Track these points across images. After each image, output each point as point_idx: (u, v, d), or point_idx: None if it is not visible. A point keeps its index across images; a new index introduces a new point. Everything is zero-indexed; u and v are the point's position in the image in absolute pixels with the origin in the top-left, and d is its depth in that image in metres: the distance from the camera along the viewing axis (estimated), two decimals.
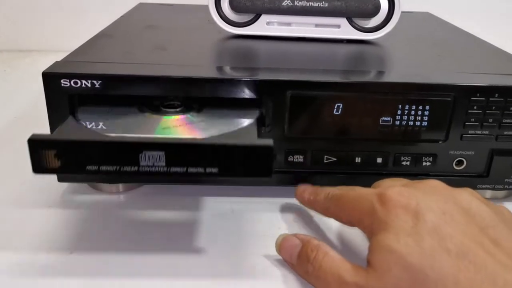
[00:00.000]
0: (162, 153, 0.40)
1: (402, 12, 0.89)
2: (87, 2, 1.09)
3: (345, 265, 0.40)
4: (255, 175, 0.41)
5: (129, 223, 0.52)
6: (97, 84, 0.48)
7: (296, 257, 0.44)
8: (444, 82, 0.51)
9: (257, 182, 0.55)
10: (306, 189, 0.52)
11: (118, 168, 0.41)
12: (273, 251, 0.48)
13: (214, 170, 0.41)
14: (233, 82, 0.50)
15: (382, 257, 0.37)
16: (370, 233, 0.40)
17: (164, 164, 0.40)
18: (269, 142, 0.40)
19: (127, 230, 0.51)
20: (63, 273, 0.45)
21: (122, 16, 0.77)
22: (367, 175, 0.55)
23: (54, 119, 0.49)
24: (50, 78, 0.48)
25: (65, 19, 1.10)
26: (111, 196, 0.56)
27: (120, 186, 0.57)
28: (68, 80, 0.48)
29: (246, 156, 0.41)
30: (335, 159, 0.54)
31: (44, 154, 0.39)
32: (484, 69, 0.57)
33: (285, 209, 0.55)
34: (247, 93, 0.50)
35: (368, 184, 0.52)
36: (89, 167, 0.40)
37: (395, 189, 0.40)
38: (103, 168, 0.40)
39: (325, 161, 0.54)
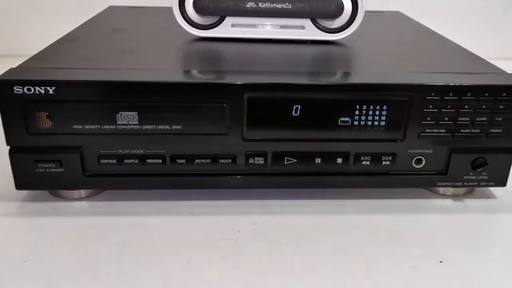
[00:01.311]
0: (135, 113, 0.49)
1: (373, 11, 0.90)
2: (58, 6, 1.09)
3: None
4: (212, 132, 0.52)
5: (87, 229, 0.52)
6: (50, 90, 0.48)
7: None
8: (400, 82, 0.52)
9: (219, 185, 0.55)
10: None
11: (99, 126, 0.50)
12: (229, 255, 0.48)
13: (178, 127, 0.51)
14: (191, 86, 0.50)
15: None
16: None
17: (137, 122, 0.50)
18: (222, 105, 0.50)
19: (84, 236, 0.51)
20: (12, 281, 0.44)
21: (89, 20, 0.76)
22: (328, 176, 0.56)
23: (8, 126, 0.49)
24: (3, 85, 0.48)
25: (34, 23, 1.09)
26: (73, 203, 0.56)
27: (83, 191, 0.57)
28: (21, 87, 0.48)
29: (205, 115, 0.51)
30: (295, 160, 0.54)
31: (38, 116, 0.49)
32: (442, 69, 0.57)
33: (245, 212, 0.55)
34: (206, 97, 0.50)
35: (329, 185, 0.55)
36: (75, 126, 0.50)
37: None
38: (87, 126, 0.50)
39: (286, 163, 0.55)
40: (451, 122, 0.53)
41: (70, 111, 0.50)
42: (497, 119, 0.53)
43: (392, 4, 1.01)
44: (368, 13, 0.85)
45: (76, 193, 0.57)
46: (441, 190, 0.59)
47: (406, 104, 0.52)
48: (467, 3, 1.15)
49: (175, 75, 0.52)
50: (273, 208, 0.55)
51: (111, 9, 0.89)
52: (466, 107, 0.52)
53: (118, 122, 0.51)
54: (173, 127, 0.51)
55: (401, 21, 0.87)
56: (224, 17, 0.65)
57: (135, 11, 0.87)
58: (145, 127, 0.51)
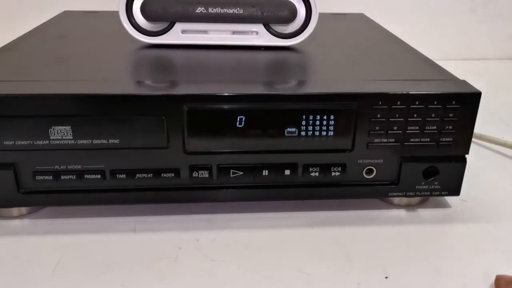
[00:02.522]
0: (69, 128, 0.48)
1: (336, 14, 0.88)
2: (14, 11, 1.06)
3: None
4: (151, 145, 0.50)
5: (19, 249, 0.50)
6: None
7: None
8: (346, 91, 0.50)
9: (163, 199, 0.54)
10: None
11: (31, 142, 0.48)
12: (166, 276, 0.46)
13: (116, 141, 0.49)
14: (126, 98, 0.48)
15: None
16: None
17: (71, 137, 0.48)
18: (161, 117, 0.49)
19: (15, 257, 0.49)
20: None
21: (37, 27, 0.74)
22: (276, 188, 0.54)
23: None
24: None
25: None
26: (9, 221, 0.54)
27: (23, 209, 0.54)
28: None
29: (143, 128, 0.49)
30: (241, 173, 0.53)
31: None
32: (393, 76, 0.56)
33: (189, 227, 0.53)
34: (143, 109, 0.48)
35: (278, 197, 0.54)
36: (6, 142, 0.48)
37: None
38: (19, 142, 0.48)
39: (231, 176, 0.53)
40: (400, 132, 0.51)
41: None
42: (447, 127, 0.51)
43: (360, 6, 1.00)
44: (330, 15, 0.84)
45: (15, 210, 0.54)
46: (396, 200, 0.58)
47: (353, 113, 0.50)
48: (435, 5, 1.14)
49: (110, 87, 0.50)
50: (218, 223, 0.54)
51: (66, 14, 0.86)
52: (415, 115, 0.50)
53: (51, 137, 0.49)
54: (110, 141, 0.49)
55: (362, 24, 0.85)
56: (174, 23, 0.63)
57: (90, 16, 0.84)
58: (80, 141, 0.49)
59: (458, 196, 0.56)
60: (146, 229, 0.53)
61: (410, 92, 0.50)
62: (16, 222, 0.54)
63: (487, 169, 0.66)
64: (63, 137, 0.49)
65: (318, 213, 0.56)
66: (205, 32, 0.64)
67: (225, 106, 0.49)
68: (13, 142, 0.48)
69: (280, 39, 0.65)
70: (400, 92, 0.50)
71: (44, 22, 0.78)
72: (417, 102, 0.50)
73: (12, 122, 0.48)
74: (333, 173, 0.53)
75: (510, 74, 1.07)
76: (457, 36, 1.16)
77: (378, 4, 1.06)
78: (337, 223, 0.54)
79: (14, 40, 0.66)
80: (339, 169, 0.53)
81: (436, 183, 0.54)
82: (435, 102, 0.50)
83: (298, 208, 0.56)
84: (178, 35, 0.64)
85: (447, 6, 1.14)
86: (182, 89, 0.50)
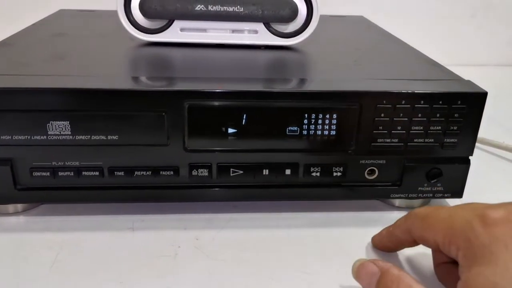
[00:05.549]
0: (67, 123, 0.46)
1: (335, 16, 0.88)
2: (7, 9, 1.05)
3: None
4: (151, 142, 0.49)
5: (16, 246, 0.49)
6: None
7: (374, 287, 0.39)
8: (349, 90, 0.49)
9: (161, 198, 0.53)
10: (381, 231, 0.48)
11: (29, 137, 0.47)
12: (165, 273, 0.45)
13: (115, 137, 0.48)
14: (126, 93, 0.47)
15: None
16: (465, 260, 0.34)
17: (69, 132, 0.47)
18: (161, 113, 0.47)
19: (11, 254, 0.48)
20: None
21: (33, 24, 0.72)
22: (277, 188, 0.53)
23: None
24: None
25: None
26: (6, 218, 0.53)
27: (19, 206, 0.53)
28: None
29: (143, 124, 0.48)
30: (241, 171, 0.51)
31: None
32: (396, 75, 0.55)
33: (188, 226, 0.52)
34: (143, 105, 0.47)
35: (278, 197, 0.52)
36: (3, 137, 0.47)
37: (500, 210, 0.33)
38: (16, 137, 0.47)
39: (231, 174, 0.52)
40: (404, 132, 0.50)
41: None
42: (452, 128, 0.50)
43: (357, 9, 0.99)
44: (329, 17, 0.83)
45: (11, 207, 0.53)
46: (397, 202, 0.57)
47: (356, 112, 0.49)
48: (435, 9, 1.13)
49: (110, 82, 0.48)
50: (218, 222, 0.53)
51: (61, 12, 0.85)
52: (420, 115, 0.50)
53: (49, 133, 0.47)
54: (109, 137, 0.48)
55: (362, 26, 0.85)
56: (173, 21, 0.62)
57: (86, 15, 0.83)
58: (78, 137, 0.48)
59: (460, 199, 0.54)
60: (144, 227, 0.52)
61: (415, 91, 0.49)
62: (12, 219, 0.53)
63: (488, 172, 0.65)
64: (61, 132, 0.48)
65: (318, 214, 0.55)
66: (204, 30, 0.63)
67: (227, 103, 0.48)
68: (10, 137, 0.47)
69: (281, 39, 0.64)
70: (405, 91, 0.49)
71: (40, 20, 0.77)
72: (422, 102, 0.49)
73: (9, 116, 0.47)
74: (334, 174, 0.53)
75: (509, 80, 1.07)
76: (456, 42, 1.15)
77: (377, 9, 1.05)
78: (338, 224, 0.53)
79: (11, 36, 0.64)
80: (341, 169, 0.53)
81: (439, 185, 0.54)
82: (440, 102, 0.49)
83: (299, 209, 0.55)
84: (176, 33, 0.63)
85: (446, 11, 1.13)
86: (183, 85, 0.48)
